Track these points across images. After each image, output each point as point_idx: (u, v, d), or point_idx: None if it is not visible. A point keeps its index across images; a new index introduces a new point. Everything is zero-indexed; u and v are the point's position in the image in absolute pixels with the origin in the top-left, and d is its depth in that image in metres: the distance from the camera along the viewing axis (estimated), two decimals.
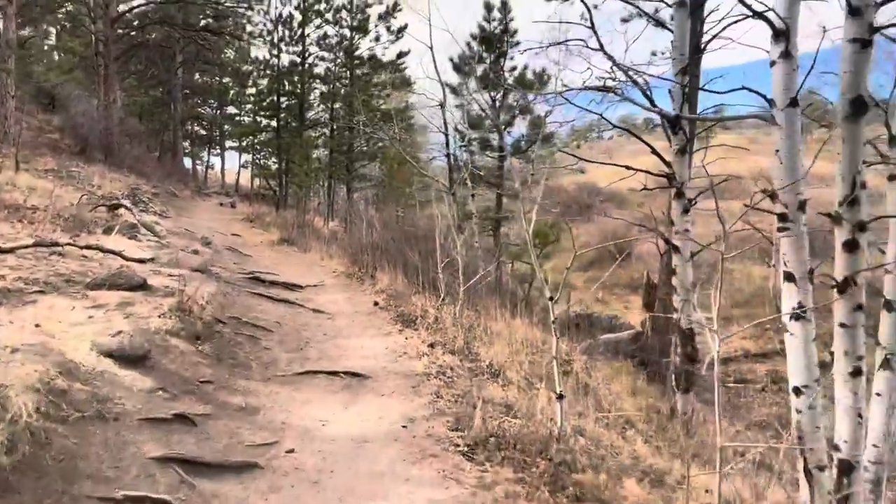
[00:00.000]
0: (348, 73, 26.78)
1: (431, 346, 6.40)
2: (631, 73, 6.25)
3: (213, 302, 6.81)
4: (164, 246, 10.47)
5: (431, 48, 14.83)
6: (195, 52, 35.18)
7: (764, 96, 4.52)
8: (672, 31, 7.42)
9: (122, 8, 28.20)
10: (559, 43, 6.81)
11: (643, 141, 6.98)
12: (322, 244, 17.71)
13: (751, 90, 4.59)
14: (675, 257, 7.18)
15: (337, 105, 27.32)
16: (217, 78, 35.37)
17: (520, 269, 14.55)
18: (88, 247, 7.80)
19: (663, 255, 10.48)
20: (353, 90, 24.82)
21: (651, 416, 7.04)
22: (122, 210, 12.68)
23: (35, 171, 17.17)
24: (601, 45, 6.37)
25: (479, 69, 15.76)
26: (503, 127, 15.33)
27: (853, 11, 3.67)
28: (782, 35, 4.41)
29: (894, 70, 5.32)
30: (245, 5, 25.78)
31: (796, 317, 4.42)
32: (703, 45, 7.46)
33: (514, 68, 16.04)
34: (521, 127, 16.26)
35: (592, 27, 6.58)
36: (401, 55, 25.74)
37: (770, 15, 4.39)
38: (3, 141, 20.86)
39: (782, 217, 4.47)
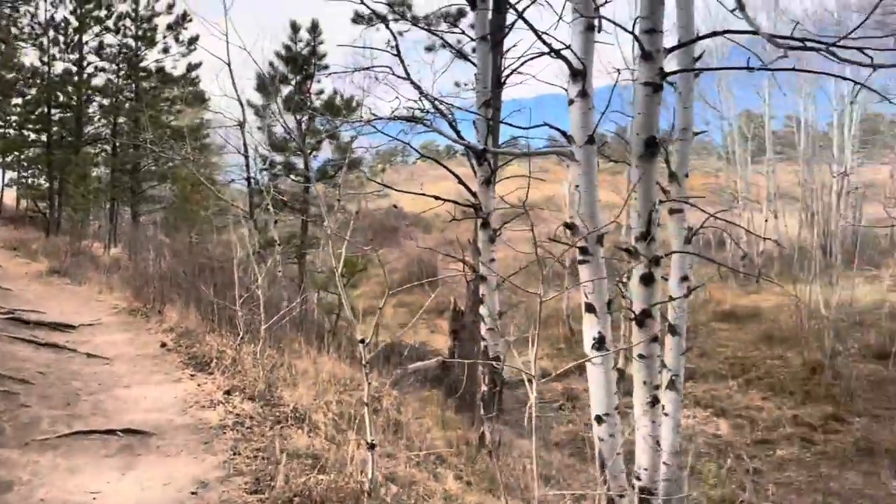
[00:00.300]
0: (133, 85, 24.73)
1: (228, 392, 5.83)
2: (438, 103, 6.28)
3: None
4: None
5: (229, 64, 14.03)
6: None
7: (564, 133, 4.69)
8: (475, 64, 7.62)
9: None
10: (365, 69, 6.71)
11: (450, 171, 7.04)
12: (101, 274, 15.92)
13: (551, 126, 4.74)
14: (483, 286, 7.29)
15: (121, 120, 25.06)
16: None
17: (326, 298, 14.17)
18: None
19: (469, 282, 10.70)
20: (140, 104, 22.93)
21: (461, 447, 7.03)
22: None
23: None
24: (408, 74, 6.33)
25: (285, 90, 15.24)
26: (309, 151, 14.92)
27: (645, 56, 3.89)
28: (579, 74, 4.59)
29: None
30: (9, 3, 22.82)
31: (597, 347, 4.59)
32: (503, 79, 7.73)
33: (321, 92, 15.76)
34: (327, 151, 15.96)
35: (398, 54, 6.54)
36: (191, 68, 24.29)
37: (568, 54, 4.56)
38: None
39: (582, 250, 4.63)
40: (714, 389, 14.45)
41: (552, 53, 4.66)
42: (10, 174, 33.14)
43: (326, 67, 15.19)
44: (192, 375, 6.38)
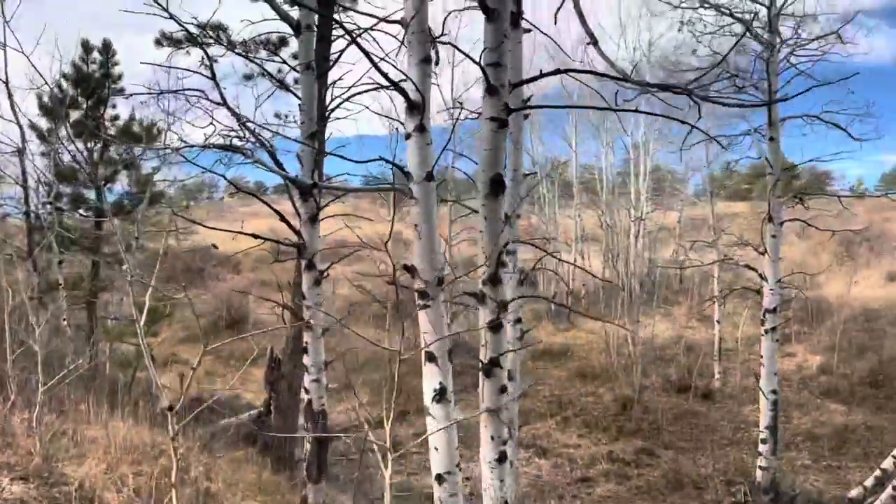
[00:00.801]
0: None
1: None
2: (258, 132, 5.77)
3: None
4: None
5: (7, 82, 12.34)
6: None
7: (402, 168, 4.44)
8: (297, 96, 7.22)
9: None
10: (174, 91, 6.02)
11: (271, 207, 6.49)
12: None
13: (387, 161, 4.47)
14: (307, 334, 6.78)
15: None
16: None
17: (120, 349, 12.60)
18: None
19: (291, 327, 10.05)
20: None
21: None
22: None
23: None
24: (224, 99, 5.76)
25: (74, 114, 13.63)
26: (103, 183, 13.44)
27: (491, 90, 3.76)
28: (416, 108, 4.39)
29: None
30: None
31: (438, 399, 4.32)
32: (328, 112, 7.41)
33: (116, 117, 14.27)
34: (124, 183, 14.46)
35: (213, 77, 5.95)
36: None
37: (406, 86, 4.35)
38: None
39: (422, 294, 4.38)
40: (535, 429, 14.82)
41: (387, 86, 4.44)
42: None
43: (122, 90, 13.85)
44: None
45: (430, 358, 4.37)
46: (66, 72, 13.52)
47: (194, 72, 6.06)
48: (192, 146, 5.42)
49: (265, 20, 8.22)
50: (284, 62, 9.63)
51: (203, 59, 6.34)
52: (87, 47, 13.42)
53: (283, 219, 6.73)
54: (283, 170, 6.29)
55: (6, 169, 12.96)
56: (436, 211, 4.50)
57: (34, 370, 5.70)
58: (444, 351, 4.37)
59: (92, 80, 13.34)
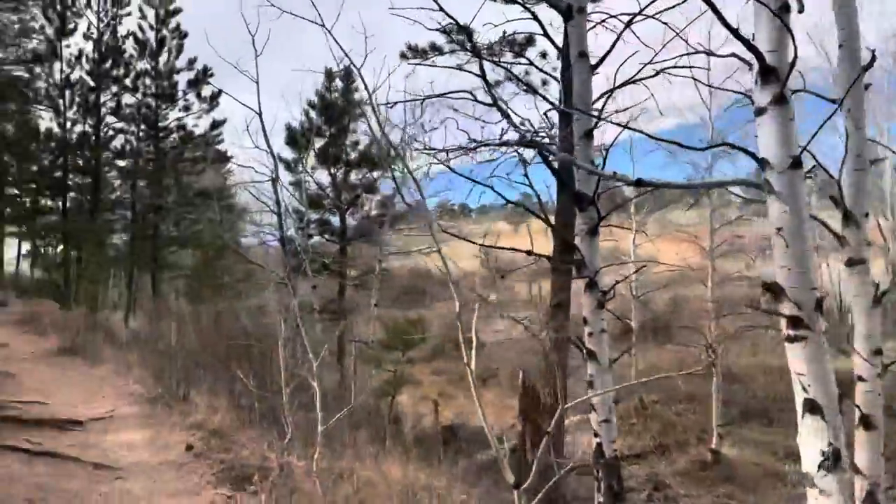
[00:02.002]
0: (153, 146, 24.23)
1: None
2: (537, 134, 5.09)
3: None
4: None
5: (260, 114, 13.15)
6: None
7: (753, 155, 3.45)
8: (546, 98, 6.51)
9: None
10: (441, 95, 5.56)
11: (546, 221, 5.78)
12: (118, 352, 14.82)
13: (737, 147, 3.52)
14: (591, 365, 5.94)
15: (141, 183, 24.46)
16: None
17: (374, 375, 12.74)
18: None
19: (547, 354, 9.33)
20: (164, 165, 22.38)
21: None
22: None
23: None
24: (495, 99, 5.17)
25: (318, 143, 14.31)
26: (345, 207, 13.89)
27: None
28: (772, 74, 3.39)
29: None
30: (22, 67, 22.58)
31: (830, 466, 3.23)
32: (602, 105, 6.55)
33: (356, 143, 14.78)
34: (367, 206, 14.90)
35: (484, 76, 5.40)
36: (215, 125, 23.75)
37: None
38: None
39: (794, 321, 3.32)
40: None
41: (739, 40, 3.46)
42: (26, 245, 32.97)
43: (361, 115, 14.25)
44: (228, 497, 5.07)
45: (813, 408, 3.29)
46: (311, 100, 14.28)
47: (465, 70, 5.53)
48: (486, 143, 4.88)
49: (508, 21, 7.65)
50: (531, 63, 9.03)
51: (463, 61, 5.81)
52: (329, 75, 14.03)
53: (557, 231, 5.99)
54: (559, 174, 5.54)
55: (261, 197, 13.82)
56: (805, 209, 3.44)
57: (311, 406, 5.46)
58: (832, 397, 3.28)
59: (335, 108, 13.88)
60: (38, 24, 22.50)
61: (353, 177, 14.54)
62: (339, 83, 14.25)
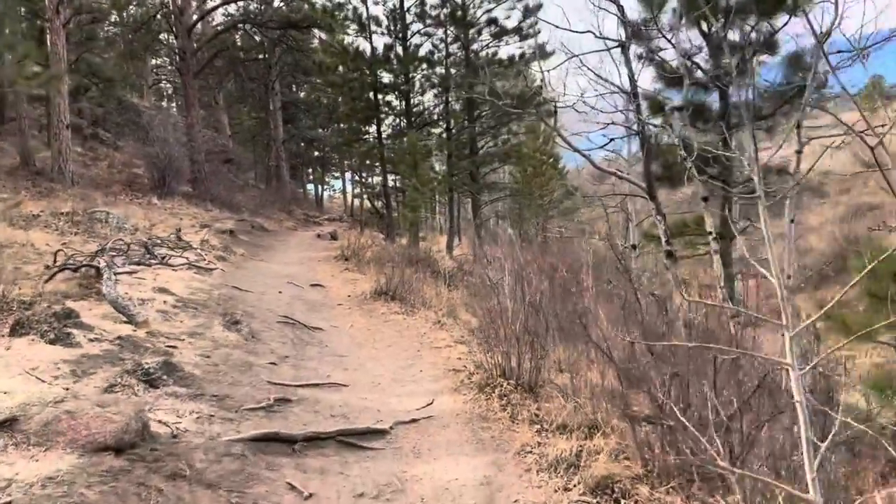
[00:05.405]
0: (463, 50, 22.02)
1: None
2: None
3: None
4: (113, 359, 5.82)
5: None
6: (293, 64, 32.11)
7: None
8: None
9: (196, 15, 25.30)
10: None
11: None
12: (440, 290, 12.78)
13: None
14: None
15: (452, 96, 22.57)
16: (318, 92, 32.02)
17: None
18: None
19: None
20: (476, 70, 20.12)
21: None
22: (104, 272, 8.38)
23: (52, 216, 13.64)
24: None
25: None
26: (727, 79, 9.73)
27: None
28: None
29: None
30: None
31: None
32: None
33: None
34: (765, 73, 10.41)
35: None
36: (528, 12, 20.65)
37: None
38: (59, 180, 17.83)
39: None
40: None
41: None
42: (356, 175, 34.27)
43: None
44: None
45: None
46: None
47: None
48: None
49: None
50: None
51: None
52: None
53: None
54: None
55: (601, 78, 10.32)
56: None
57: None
58: None
59: None
60: None
61: (733, 34, 10.18)
62: None
